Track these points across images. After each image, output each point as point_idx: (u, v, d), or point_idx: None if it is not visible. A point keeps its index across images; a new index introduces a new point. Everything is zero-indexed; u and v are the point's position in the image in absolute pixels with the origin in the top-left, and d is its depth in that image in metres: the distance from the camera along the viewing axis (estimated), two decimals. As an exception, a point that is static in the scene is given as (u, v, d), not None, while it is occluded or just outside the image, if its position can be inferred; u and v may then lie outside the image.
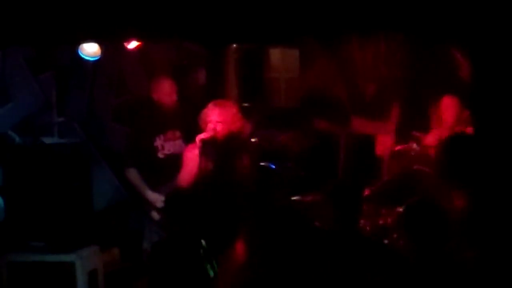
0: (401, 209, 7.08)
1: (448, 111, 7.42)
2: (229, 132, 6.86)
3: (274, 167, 8.48)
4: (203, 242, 6.12)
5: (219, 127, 6.82)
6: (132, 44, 7.82)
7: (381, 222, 7.02)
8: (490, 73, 5.32)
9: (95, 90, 8.62)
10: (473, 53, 5.49)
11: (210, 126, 6.81)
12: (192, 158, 6.85)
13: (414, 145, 7.56)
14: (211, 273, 6.09)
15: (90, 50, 7.71)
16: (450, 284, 5.04)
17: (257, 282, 5.43)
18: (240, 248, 6.64)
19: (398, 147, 7.74)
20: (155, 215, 7.34)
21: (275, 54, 9.45)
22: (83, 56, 7.77)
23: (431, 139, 7.55)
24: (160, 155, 7.52)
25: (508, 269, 5.15)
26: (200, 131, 6.86)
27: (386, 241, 6.70)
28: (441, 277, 5.03)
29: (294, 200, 7.92)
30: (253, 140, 8.20)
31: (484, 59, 5.37)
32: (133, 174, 7.49)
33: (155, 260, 6.04)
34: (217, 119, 6.82)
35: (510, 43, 5.35)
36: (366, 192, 7.05)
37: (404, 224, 5.37)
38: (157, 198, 7.33)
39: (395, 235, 6.83)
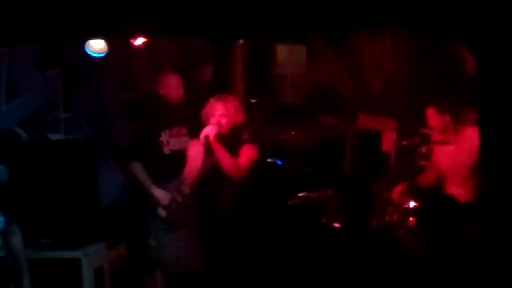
0: (407, 205, 7.14)
1: (431, 120, 7.47)
2: (233, 126, 6.84)
3: (280, 163, 8.48)
4: None
5: (223, 121, 6.80)
6: (139, 41, 7.82)
7: (387, 218, 7.02)
8: (496, 68, 5.29)
9: (102, 87, 8.60)
10: (479, 49, 5.46)
11: (214, 120, 6.79)
12: (196, 153, 6.83)
13: (420, 141, 7.57)
14: None
15: (96, 46, 7.71)
16: (457, 281, 5.03)
17: (263, 277, 5.42)
18: (244, 243, 6.64)
19: (404, 142, 7.74)
20: (161, 212, 7.32)
21: (282, 50, 9.44)
22: (89, 52, 7.76)
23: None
24: (166, 151, 7.50)
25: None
26: (205, 127, 6.85)
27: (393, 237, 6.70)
28: (449, 274, 5.02)
29: (300, 196, 7.92)
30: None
31: (490, 55, 5.34)
32: (137, 168, 7.47)
33: None
34: (220, 112, 6.81)
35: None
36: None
37: (421, 220, 5.36)
38: (164, 197, 7.31)
39: (401, 232, 6.83)
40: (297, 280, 6.42)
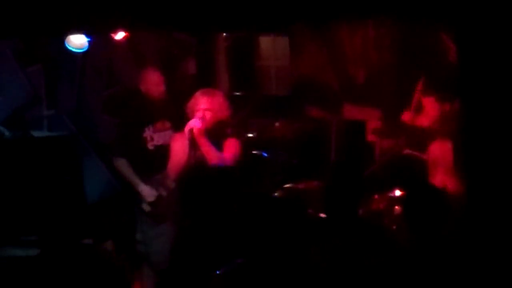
0: (393, 194, 7.14)
1: (430, 112, 7.45)
2: (217, 120, 6.83)
3: (266, 155, 8.47)
4: None
5: (208, 115, 6.78)
6: (119, 35, 7.77)
7: (373, 207, 7.02)
8: (478, 57, 5.28)
9: (84, 82, 8.58)
10: (461, 37, 5.45)
11: (198, 114, 6.77)
12: (180, 147, 6.80)
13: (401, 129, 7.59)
14: None
15: (77, 42, 7.66)
16: (444, 270, 5.03)
17: (250, 270, 5.40)
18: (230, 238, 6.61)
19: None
20: (146, 206, 7.32)
21: (265, 42, 9.44)
22: (70, 48, 7.72)
23: (422, 121, 7.55)
24: (150, 146, 7.48)
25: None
26: (189, 120, 6.82)
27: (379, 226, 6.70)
28: (435, 263, 5.01)
29: (287, 187, 7.91)
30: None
31: (472, 43, 5.33)
32: (122, 164, 7.44)
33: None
34: (205, 107, 6.79)
35: (501, 29, 5.32)
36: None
37: (404, 209, 5.36)
38: (149, 193, 7.30)
39: (387, 220, 6.83)
40: (285, 272, 6.42)
